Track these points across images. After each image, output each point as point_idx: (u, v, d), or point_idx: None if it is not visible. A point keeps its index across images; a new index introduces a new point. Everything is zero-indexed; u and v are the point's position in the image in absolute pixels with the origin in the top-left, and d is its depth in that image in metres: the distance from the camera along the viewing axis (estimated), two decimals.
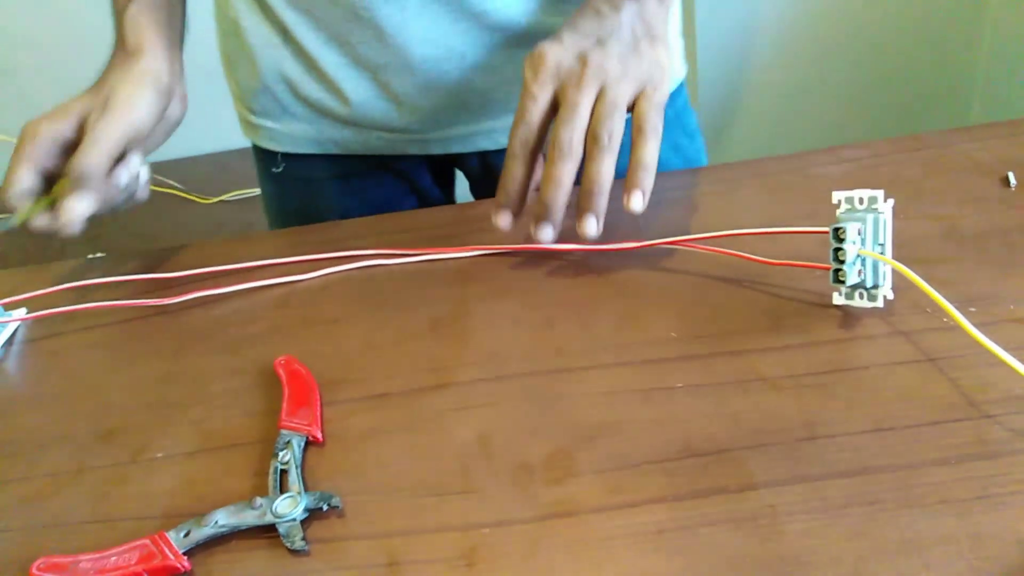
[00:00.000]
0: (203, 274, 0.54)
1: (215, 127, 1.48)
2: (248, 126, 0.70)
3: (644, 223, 0.52)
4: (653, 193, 0.47)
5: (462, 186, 0.75)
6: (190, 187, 1.37)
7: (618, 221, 0.52)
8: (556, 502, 0.35)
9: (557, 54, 0.46)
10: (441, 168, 0.73)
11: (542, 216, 0.46)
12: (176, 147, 1.49)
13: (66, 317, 0.52)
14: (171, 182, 1.37)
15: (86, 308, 0.52)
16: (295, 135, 0.67)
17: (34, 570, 0.35)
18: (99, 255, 0.64)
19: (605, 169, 0.45)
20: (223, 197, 1.34)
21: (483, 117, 0.63)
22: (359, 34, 0.58)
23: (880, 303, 0.41)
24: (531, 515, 0.34)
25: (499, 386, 0.41)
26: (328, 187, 0.69)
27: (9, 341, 0.52)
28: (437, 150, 0.65)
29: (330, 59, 0.60)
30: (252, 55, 0.64)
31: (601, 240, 0.48)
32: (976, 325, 0.37)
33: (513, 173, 0.48)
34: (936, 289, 0.39)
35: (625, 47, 0.47)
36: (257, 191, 1.34)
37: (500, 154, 0.62)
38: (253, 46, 0.63)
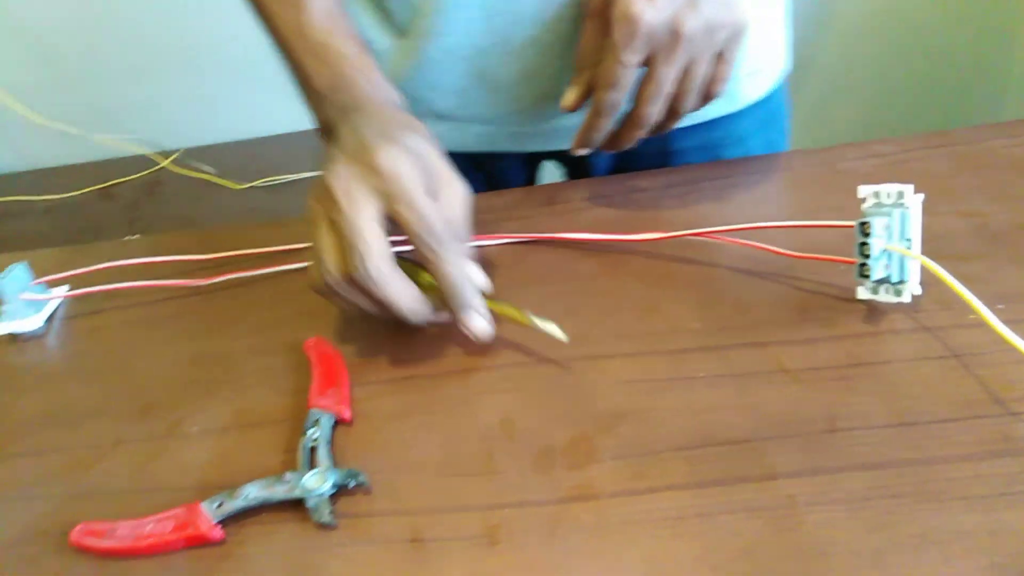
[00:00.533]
0: (236, 256, 0.55)
1: (248, 115, 1.51)
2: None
3: (670, 214, 0.52)
4: (681, 184, 0.47)
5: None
6: (223, 173, 1.39)
7: (643, 211, 0.53)
8: (577, 486, 0.35)
9: (651, 19, 0.45)
10: (535, 164, 0.71)
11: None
12: (210, 133, 1.52)
13: (106, 295, 0.54)
14: (205, 167, 1.40)
15: (125, 287, 0.53)
16: None
17: (74, 535, 0.36)
18: (135, 237, 0.66)
19: (666, 131, 0.51)
20: (255, 183, 1.36)
21: (585, 111, 0.60)
22: (464, 16, 0.55)
23: (906, 299, 0.41)
24: (552, 498, 0.35)
25: (522, 372, 0.42)
26: None
27: (51, 317, 0.54)
28: (534, 146, 0.64)
29: (429, 42, 0.58)
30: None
31: (626, 230, 0.49)
32: (1004, 323, 0.37)
33: (599, 127, 0.50)
34: (964, 286, 0.39)
35: (715, 4, 0.46)
36: (288, 178, 1.36)
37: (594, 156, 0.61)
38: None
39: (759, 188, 0.54)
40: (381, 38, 0.60)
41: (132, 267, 0.56)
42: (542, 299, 0.46)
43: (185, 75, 1.47)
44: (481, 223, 0.54)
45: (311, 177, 1.35)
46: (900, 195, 0.40)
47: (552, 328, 0.41)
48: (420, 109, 0.62)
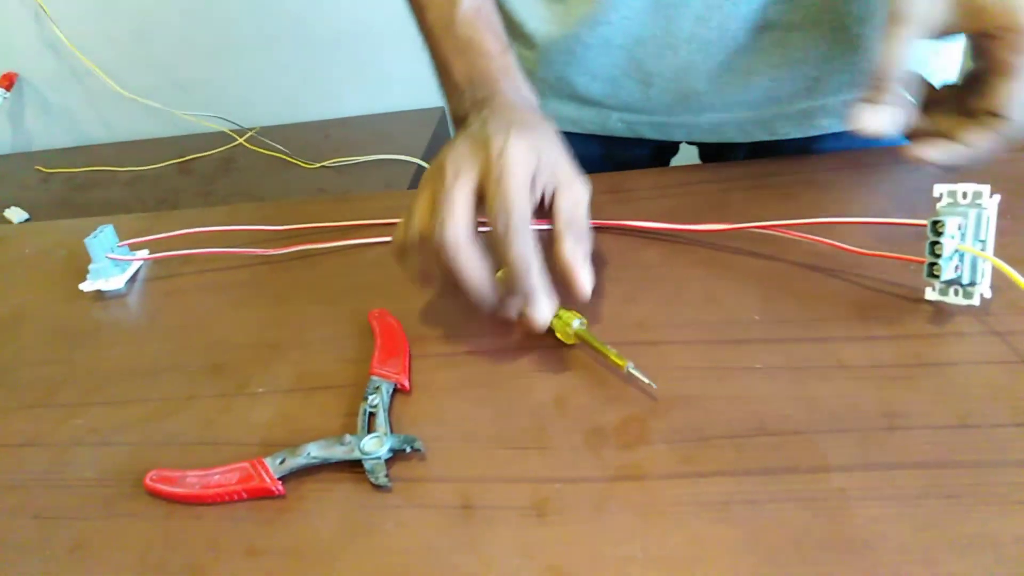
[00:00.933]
0: (307, 229, 0.57)
1: (321, 97, 1.55)
2: None
3: (737, 207, 0.52)
4: (750, 178, 0.47)
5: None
6: (295, 152, 1.43)
7: (708, 203, 0.52)
8: (626, 465, 0.36)
9: None
10: (668, 151, 0.71)
11: None
12: (283, 114, 1.57)
13: (183, 260, 0.57)
14: (278, 146, 1.44)
15: (201, 253, 0.56)
16: None
17: (148, 480, 0.39)
18: (210, 207, 0.68)
19: None
20: (325, 163, 1.39)
21: (739, 107, 0.60)
22: (627, 5, 0.55)
23: (976, 301, 0.40)
24: (601, 475, 0.36)
25: (578, 353, 0.43)
26: None
27: (133, 278, 0.57)
28: (676, 136, 0.63)
29: (589, 30, 0.57)
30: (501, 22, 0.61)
31: (689, 221, 0.49)
32: None
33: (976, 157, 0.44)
34: None
35: None
36: (357, 159, 1.39)
37: (732, 147, 0.62)
38: (504, 16, 0.60)
39: (831, 184, 0.53)
40: (538, 20, 0.60)
41: (208, 235, 0.59)
42: (603, 284, 0.47)
43: (263, 57, 1.51)
44: None
45: (378, 160, 1.38)
46: (977, 195, 0.39)
47: (643, 376, 0.39)
48: (566, 91, 0.63)
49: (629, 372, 0.39)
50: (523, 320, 0.42)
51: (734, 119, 0.60)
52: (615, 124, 0.63)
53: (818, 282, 0.44)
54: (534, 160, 0.41)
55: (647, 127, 0.63)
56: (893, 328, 0.40)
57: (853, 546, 0.31)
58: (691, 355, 0.41)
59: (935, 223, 0.39)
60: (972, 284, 0.40)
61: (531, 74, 0.61)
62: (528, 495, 0.35)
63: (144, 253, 0.59)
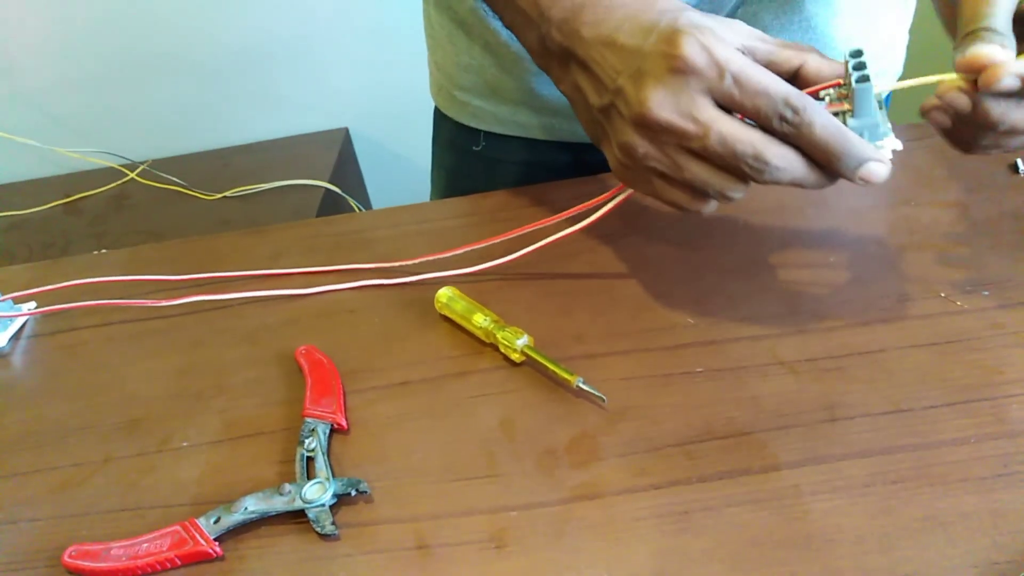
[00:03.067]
0: (216, 279, 0.54)
1: (215, 125, 1.49)
2: (450, 101, 0.67)
3: (657, 207, 0.52)
4: None
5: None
6: (193, 183, 1.36)
7: (626, 207, 0.53)
8: (582, 485, 0.35)
9: None
10: None
11: None
12: (176, 145, 1.50)
13: (84, 312, 0.52)
14: (174, 179, 1.37)
15: (96, 305, 0.52)
16: (501, 117, 0.64)
17: (66, 558, 0.35)
18: (103, 251, 0.64)
19: None
20: (226, 193, 1.34)
21: None
22: None
23: (888, 155, 0.36)
24: (557, 498, 0.35)
25: (518, 373, 0.42)
26: (514, 171, 0.67)
27: (17, 335, 0.52)
28: None
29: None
30: (466, 35, 0.61)
31: (607, 227, 0.49)
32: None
33: None
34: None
35: None
36: (260, 187, 1.34)
37: None
38: (491, 29, 0.59)
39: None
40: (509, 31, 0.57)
41: (107, 284, 0.54)
42: (537, 300, 0.46)
43: (149, 85, 1.44)
44: (469, 225, 0.54)
45: (283, 186, 1.33)
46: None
47: (593, 390, 0.39)
48: (536, 102, 0.61)
49: (579, 387, 0.39)
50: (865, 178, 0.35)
51: None
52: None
53: (746, 281, 0.45)
54: (731, 37, 0.36)
55: None
56: (821, 320, 0.42)
57: (813, 542, 0.31)
58: (632, 365, 0.41)
59: (856, 51, 0.35)
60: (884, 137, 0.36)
61: (500, 83, 0.61)
62: (484, 527, 0.34)
63: (31, 306, 0.54)
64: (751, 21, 0.53)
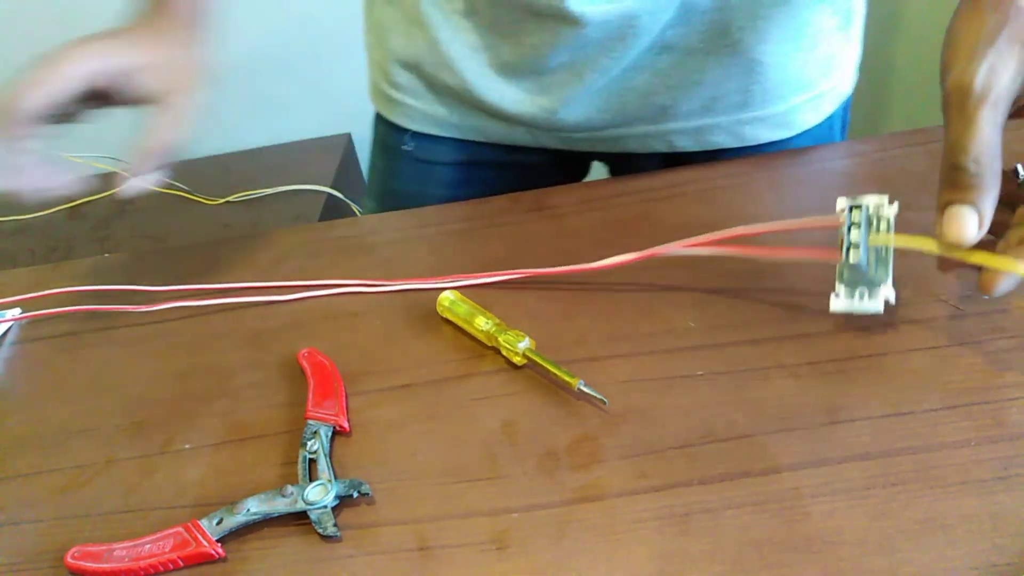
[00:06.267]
0: (223, 289, 0.55)
1: (218, 130, 1.49)
2: (383, 99, 0.67)
3: (660, 215, 0.52)
4: (668, 187, 0.47)
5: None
6: (195, 188, 1.37)
7: (632, 214, 0.53)
8: (583, 487, 0.35)
9: None
10: (576, 164, 0.71)
11: None
12: (181, 149, 1.50)
13: (86, 315, 0.53)
14: (177, 183, 1.38)
15: (85, 310, 0.52)
16: (435, 116, 0.64)
17: (69, 559, 0.35)
18: (106, 255, 0.64)
19: None
20: (229, 198, 1.34)
21: (639, 122, 0.61)
22: (532, 34, 0.55)
23: (880, 305, 0.38)
24: (558, 500, 0.35)
25: (519, 376, 0.42)
26: (447, 172, 0.67)
27: (1, 338, 0.52)
28: (583, 147, 0.64)
29: (497, 52, 0.58)
30: (415, 28, 0.61)
31: (615, 233, 0.49)
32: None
33: None
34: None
35: None
36: (263, 192, 1.35)
37: (641, 157, 0.62)
38: (420, 22, 0.60)
39: (745, 189, 0.55)
40: (461, 45, 0.59)
41: (108, 291, 0.55)
42: (537, 302, 0.47)
43: None
44: (471, 230, 0.54)
45: (286, 191, 1.34)
46: (879, 207, 0.39)
47: (594, 392, 0.39)
48: (476, 104, 0.61)
49: (580, 389, 0.39)
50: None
51: (634, 133, 0.62)
52: (521, 136, 0.64)
53: (746, 285, 0.45)
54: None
55: (553, 140, 0.64)
56: (823, 324, 0.42)
57: (813, 544, 0.31)
58: (633, 368, 0.41)
59: (852, 208, 0.39)
60: (878, 285, 0.39)
61: (438, 81, 0.61)
62: (486, 529, 0.34)
63: (16, 312, 0.54)
64: (682, 46, 0.55)
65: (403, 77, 0.64)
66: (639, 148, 0.63)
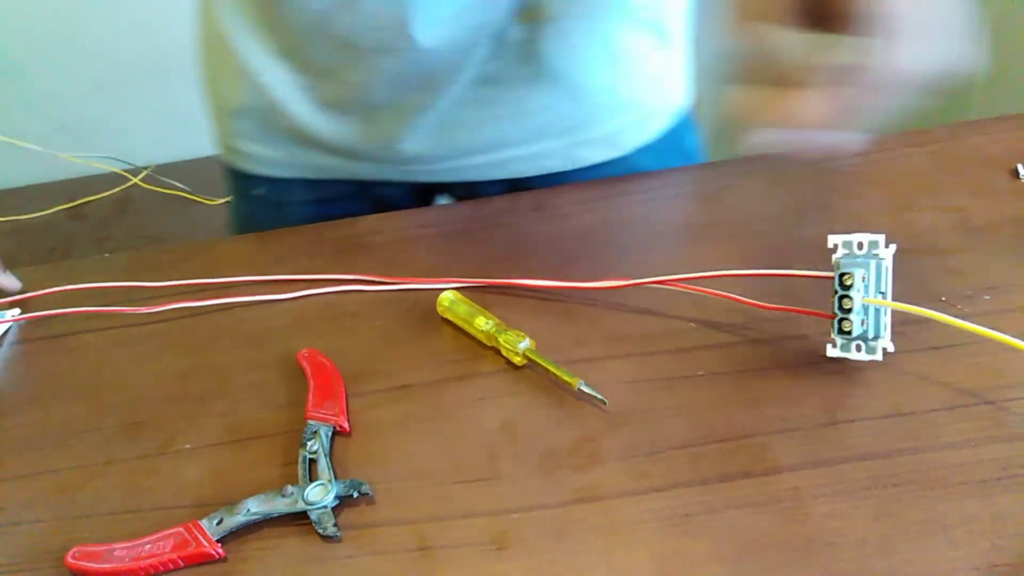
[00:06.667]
0: (224, 283, 0.55)
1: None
2: (227, 148, 0.68)
3: (660, 214, 0.52)
4: (674, 186, 0.47)
5: None
6: (196, 188, 1.37)
7: (633, 214, 0.53)
8: (583, 488, 0.35)
9: None
10: (424, 193, 0.71)
11: None
12: (179, 150, 1.50)
13: (86, 316, 0.53)
14: (177, 184, 1.38)
15: (85, 312, 0.52)
16: (278, 160, 0.65)
17: (69, 559, 0.35)
18: (106, 255, 0.64)
19: None
20: (229, 198, 1.34)
21: (475, 153, 0.62)
22: (352, 71, 0.56)
23: (879, 356, 0.37)
24: (559, 500, 0.35)
25: (521, 376, 0.42)
26: (304, 210, 0.67)
27: (1, 339, 0.52)
28: (424, 178, 0.65)
29: (321, 90, 0.59)
30: (239, 76, 0.61)
31: (613, 233, 0.49)
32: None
33: None
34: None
35: None
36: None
37: (484, 184, 0.62)
38: (241, 69, 0.60)
39: (745, 189, 0.55)
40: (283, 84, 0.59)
41: (109, 288, 0.55)
42: (537, 302, 0.47)
43: (152, 90, 1.45)
44: (471, 230, 0.54)
45: None
46: (873, 244, 0.37)
47: (594, 392, 0.39)
48: (306, 140, 0.61)
49: (580, 389, 0.39)
50: None
51: (472, 163, 0.62)
52: (367, 170, 0.64)
53: (747, 283, 0.45)
54: None
55: (396, 173, 0.64)
56: (823, 324, 0.42)
57: (814, 545, 0.31)
58: (633, 368, 0.41)
59: (842, 275, 0.37)
60: (876, 338, 0.37)
61: (275, 124, 0.61)
62: (486, 529, 0.34)
63: (15, 312, 0.54)
64: (503, 77, 0.55)
65: (241, 124, 0.64)
66: (480, 177, 0.63)
